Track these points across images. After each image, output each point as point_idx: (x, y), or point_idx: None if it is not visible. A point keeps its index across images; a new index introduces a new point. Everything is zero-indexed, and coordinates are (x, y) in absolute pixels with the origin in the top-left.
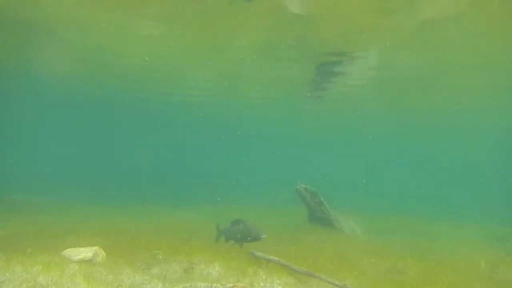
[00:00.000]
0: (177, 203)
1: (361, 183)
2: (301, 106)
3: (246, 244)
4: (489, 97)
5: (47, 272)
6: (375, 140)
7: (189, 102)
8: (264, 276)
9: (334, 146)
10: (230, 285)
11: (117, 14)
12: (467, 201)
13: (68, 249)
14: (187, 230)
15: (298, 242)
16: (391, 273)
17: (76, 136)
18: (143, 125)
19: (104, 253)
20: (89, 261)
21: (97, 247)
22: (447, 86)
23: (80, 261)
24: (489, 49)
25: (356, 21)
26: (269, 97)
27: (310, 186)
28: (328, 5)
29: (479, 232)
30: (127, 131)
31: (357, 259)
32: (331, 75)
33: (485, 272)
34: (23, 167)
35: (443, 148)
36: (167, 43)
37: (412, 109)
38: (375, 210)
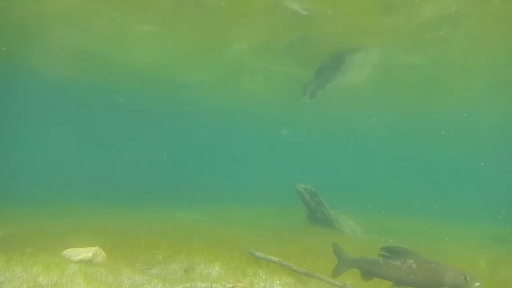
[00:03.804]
0: (177, 203)
1: (362, 184)
2: (301, 105)
3: (245, 244)
4: (489, 96)
5: (47, 273)
6: (375, 139)
7: (188, 102)
8: (264, 277)
9: (334, 146)
10: (230, 285)
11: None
12: (467, 201)
13: (68, 250)
14: (187, 230)
15: (298, 242)
16: None
17: (76, 136)
18: (144, 126)
19: (104, 254)
20: (89, 262)
21: (97, 247)
22: (447, 85)
23: (80, 262)
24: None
25: (357, 19)
26: (270, 95)
27: (310, 186)
28: (329, 3)
29: (479, 232)
30: (128, 131)
31: None
32: (332, 73)
33: (485, 272)
34: (23, 167)
35: (443, 148)
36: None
37: (413, 108)
38: (375, 210)
